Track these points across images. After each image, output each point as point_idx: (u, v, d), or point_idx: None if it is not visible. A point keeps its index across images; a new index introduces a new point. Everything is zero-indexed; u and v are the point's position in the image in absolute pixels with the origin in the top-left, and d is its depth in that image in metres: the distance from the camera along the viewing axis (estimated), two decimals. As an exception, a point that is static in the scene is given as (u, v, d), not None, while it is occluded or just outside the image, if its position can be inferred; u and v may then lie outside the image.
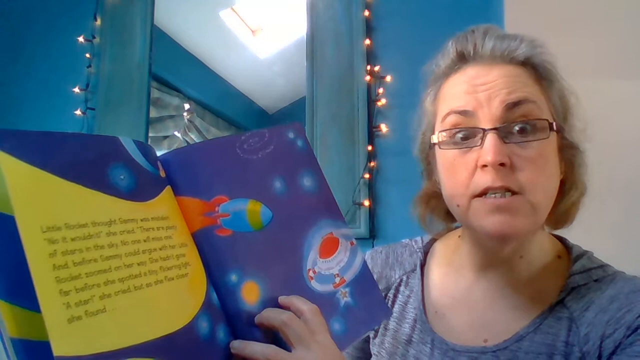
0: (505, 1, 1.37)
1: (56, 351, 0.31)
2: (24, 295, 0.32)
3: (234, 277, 0.45)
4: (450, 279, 0.65)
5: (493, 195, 0.52)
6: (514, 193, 0.52)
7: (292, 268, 0.50)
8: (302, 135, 0.56)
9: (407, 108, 1.45)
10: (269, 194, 0.51)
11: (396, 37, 1.53)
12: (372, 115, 1.50)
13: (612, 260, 0.60)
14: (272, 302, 0.47)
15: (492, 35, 0.58)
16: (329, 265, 0.53)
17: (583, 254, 0.60)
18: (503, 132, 0.52)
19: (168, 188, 0.46)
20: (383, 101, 1.50)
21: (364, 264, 0.57)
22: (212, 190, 0.47)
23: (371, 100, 1.51)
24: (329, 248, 0.54)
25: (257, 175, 0.51)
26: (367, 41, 1.52)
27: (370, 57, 1.52)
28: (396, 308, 0.68)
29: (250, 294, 0.46)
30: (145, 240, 0.40)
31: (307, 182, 0.55)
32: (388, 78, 1.50)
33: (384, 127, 1.49)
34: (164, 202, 0.44)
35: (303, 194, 0.54)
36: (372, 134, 1.50)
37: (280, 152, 0.53)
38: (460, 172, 0.55)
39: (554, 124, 0.54)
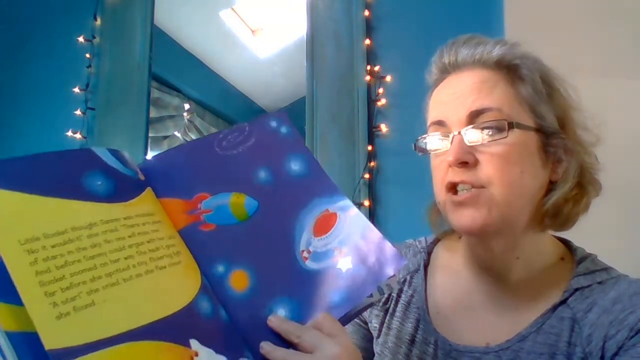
0: (505, 1, 1.37)
1: (47, 345, 0.33)
2: (14, 293, 0.35)
3: (220, 268, 0.48)
4: (451, 280, 0.66)
5: (460, 192, 0.56)
6: (477, 188, 0.55)
7: (283, 253, 0.51)
8: (286, 122, 0.58)
9: (407, 108, 1.47)
10: (253, 185, 0.53)
11: (396, 37, 1.53)
12: (372, 115, 1.50)
13: (615, 263, 0.60)
14: (264, 288, 0.48)
15: (468, 44, 0.61)
16: (325, 241, 0.53)
17: (587, 256, 0.60)
18: (467, 135, 0.56)
19: (149, 189, 0.48)
20: (383, 101, 1.50)
21: (367, 226, 0.54)
22: (192, 189, 0.50)
23: (371, 100, 1.51)
24: (324, 225, 0.54)
25: (239, 169, 0.53)
26: (367, 41, 1.52)
27: (370, 57, 1.52)
28: (399, 307, 0.68)
29: (238, 282, 0.48)
30: (130, 236, 0.43)
31: (294, 166, 0.55)
32: (388, 78, 1.50)
33: (384, 127, 1.49)
34: (147, 200, 0.47)
35: (291, 179, 0.55)
36: (372, 134, 1.50)
37: (263, 143, 0.55)
38: (438, 173, 0.60)
39: (517, 122, 0.56)
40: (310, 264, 0.51)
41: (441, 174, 0.59)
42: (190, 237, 0.48)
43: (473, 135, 0.56)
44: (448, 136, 0.58)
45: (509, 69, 0.58)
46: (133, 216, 0.44)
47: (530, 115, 0.57)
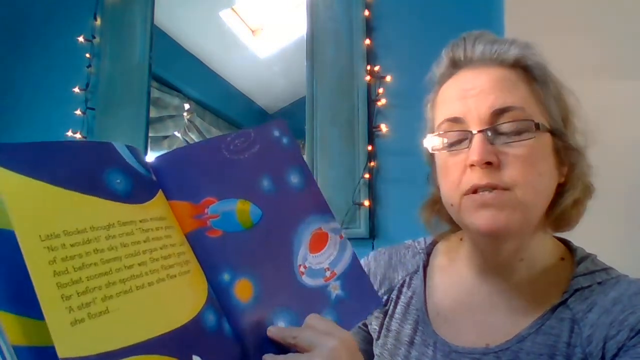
0: (506, 1, 1.37)
1: (61, 353, 0.31)
2: (24, 304, 0.33)
3: (226, 277, 0.46)
4: (452, 281, 0.66)
5: (481, 193, 0.54)
6: (501, 190, 0.53)
7: (284, 264, 0.51)
8: (286, 132, 0.57)
9: (407, 108, 1.47)
10: (258, 193, 0.52)
11: (396, 37, 1.53)
12: (372, 115, 1.50)
13: (615, 263, 0.60)
14: (266, 299, 0.48)
15: (482, 40, 0.59)
16: (319, 259, 0.54)
17: (587, 256, 0.60)
18: (490, 134, 0.54)
19: (160, 191, 0.46)
20: (383, 101, 1.50)
21: (354, 256, 0.57)
22: (200, 192, 0.48)
23: (371, 100, 1.51)
24: (318, 243, 0.54)
25: (245, 174, 0.52)
26: (367, 41, 1.52)
27: (370, 57, 1.52)
28: (398, 309, 0.68)
29: (243, 291, 0.47)
30: (145, 241, 0.41)
31: (294, 179, 0.55)
32: (388, 78, 1.50)
33: (384, 127, 1.49)
34: (160, 203, 0.45)
35: (291, 191, 0.54)
36: (372, 134, 1.50)
37: (267, 151, 0.54)
38: (452, 173, 0.57)
39: (541, 124, 0.55)
40: (306, 279, 0.52)
41: (457, 174, 0.56)
42: (196, 242, 0.46)
43: (498, 135, 0.54)
44: (466, 134, 0.56)
45: (526, 69, 0.57)
46: (148, 219, 0.42)
47: (546, 117, 0.57)
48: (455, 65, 0.61)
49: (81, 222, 0.37)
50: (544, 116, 0.56)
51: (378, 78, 1.51)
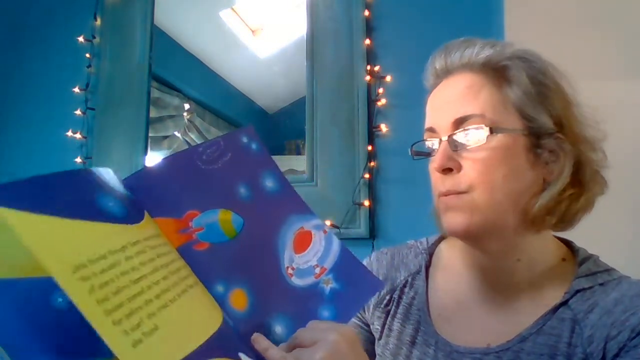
0: (506, 2, 1.37)
1: None
2: (29, 353, 0.34)
3: (220, 288, 0.46)
4: (453, 281, 0.66)
5: (444, 197, 0.59)
6: (459, 194, 0.57)
7: (271, 269, 0.51)
8: (255, 138, 0.57)
9: (407, 108, 1.47)
10: (237, 201, 0.52)
11: (396, 37, 1.53)
12: (372, 115, 1.50)
13: (618, 264, 0.60)
14: (261, 306, 0.48)
15: (459, 48, 0.61)
16: (305, 258, 0.54)
17: (589, 257, 0.60)
18: (452, 142, 0.58)
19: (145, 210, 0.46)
20: (383, 101, 1.50)
21: (342, 247, 0.57)
22: (182, 206, 0.48)
23: (371, 100, 1.51)
24: (302, 242, 0.55)
25: (222, 184, 0.52)
26: (367, 41, 1.52)
27: (370, 57, 1.52)
28: (400, 309, 0.68)
29: (238, 301, 0.47)
30: (158, 257, 0.41)
31: (268, 182, 0.56)
32: (388, 78, 1.50)
33: (384, 127, 1.49)
34: (150, 221, 0.45)
35: (267, 195, 0.55)
36: (372, 134, 1.50)
37: (239, 158, 0.54)
38: (432, 178, 0.62)
39: (501, 127, 0.56)
40: (295, 281, 0.52)
41: (433, 179, 0.61)
42: (185, 257, 0.46)
43: (456, 142, 0.58)
44: (437, 142, 0.60)
45: (496, 71, 0.58)
46: (150, 237, 0.41)
47: (518, 117, 0.57)
48: (437, 76, 0.64)
49: (98, 248, 0.36)
50: (515, 117, 0.57)
51: (378, 78, 1.51)
